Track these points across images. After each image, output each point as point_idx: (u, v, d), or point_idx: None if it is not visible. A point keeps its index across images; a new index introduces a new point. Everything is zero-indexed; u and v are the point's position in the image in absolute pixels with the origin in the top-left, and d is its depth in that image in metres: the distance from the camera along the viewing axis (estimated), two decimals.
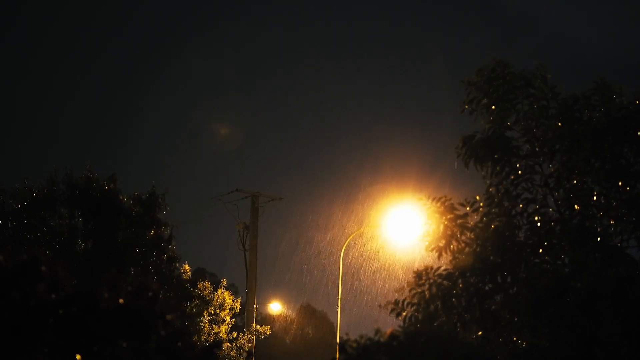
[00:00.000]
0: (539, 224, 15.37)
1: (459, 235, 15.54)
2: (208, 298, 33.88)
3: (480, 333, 15.05)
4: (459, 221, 15.58)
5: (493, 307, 15.18)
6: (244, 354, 34.52)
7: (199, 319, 33.14)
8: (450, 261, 15.51)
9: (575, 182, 15.65)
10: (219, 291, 34.42)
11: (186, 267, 32.53)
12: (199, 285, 33.49)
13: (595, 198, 15.55)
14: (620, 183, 15.36)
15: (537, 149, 15.94)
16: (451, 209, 15.61)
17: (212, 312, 34.12)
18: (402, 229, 38.13)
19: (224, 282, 35.26)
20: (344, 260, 40.51)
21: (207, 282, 34.56)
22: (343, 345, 10.30)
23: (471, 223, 15.65)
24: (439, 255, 15.61)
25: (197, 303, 33.10)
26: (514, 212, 15.58)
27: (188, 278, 32.41)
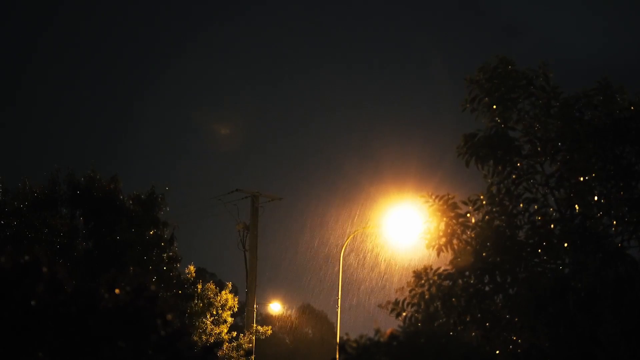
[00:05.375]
0: (539, 224, 15.36)
1: (459, 234, 15.54)
2: (212, 300, 33.89)
3: (480, 333, 15.05)
4: (460, 220, 15.58)
5: (493, 307, 15.18)
6: (243, 353, 34.55)
7: (201, 319, 33.15)
8: (451, 261, 15.51)
9: (576, 182, 15.65)
10: (223, 293, 34.43)
11: (191, 268, 32.58)
12: (199, 286, 33.49)
13: (596, 198, 15.55)
14: (621, 183, 15.36)
15: (538, 149, 15.94)
16: (453, 207, 15.61)
17: (215, 312, 34.15)
18: (402, 229, 38.16)
19: (230, 285, 35.32)
20: (343, 260, 40.55)
21: (212, 283, 34.58)
22: (343, 345, 10.29)
23: (473, 222, 15.64)
24: (438, 253, 15.61)
25: (197, 303, 33.12)
26: (515, 212, 15.58)
27: (192, 278, 32.43)
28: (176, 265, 30.81)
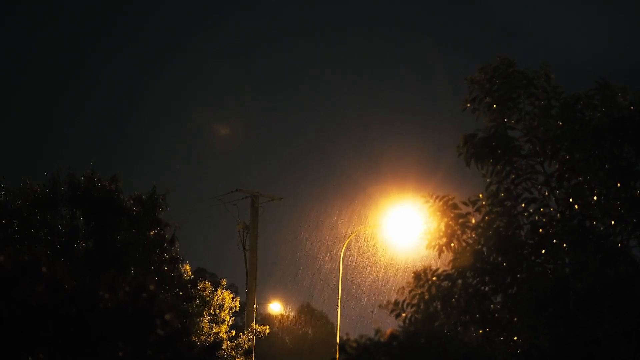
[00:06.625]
0: (539, 224, 15.36)
1: (460, 234, 15.54)
2: (208, 298, 33.89)
3: (480, 333, 15.05)
4: (460, 220, 15.57)
5: (493, 307, 15.18)
6: (242, 352, 34.58)
7: (199, 319, 33.14)
8: (450, 261, 15.50)
9: (576, 182, 15.65)
10: (219, 291, 34.43)
11: (187, 267, 32.54)
12: (199, 285, 33.49)
13: (595, 198, 15.55)
14: (620, 183, 15.35)
15: (538, 149, 15.94)
16: (453, 207, 15.61)
17: (212, 312, 34.13)
18: (402, 229, 38.17)
19: (224, 282, 35.27)
20: (343, 260, 40.57)
21: (207, 282, 34.56)
22: (343, 345, 10.30)
23: (473, 222, 15.64)
24: (439, 254, 15.61)
25: (197, 303, 33.11)
26: (515, 212, 15.58)
27: (189, 278, 32.40)
28: (177, 265, 30.77)
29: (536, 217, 15.44)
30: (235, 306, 35.10)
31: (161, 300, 9.12)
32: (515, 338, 15.11)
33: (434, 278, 15.25)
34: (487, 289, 15.20)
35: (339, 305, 39.31)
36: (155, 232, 29.82)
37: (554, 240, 15.22)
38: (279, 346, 69.37)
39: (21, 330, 8.83)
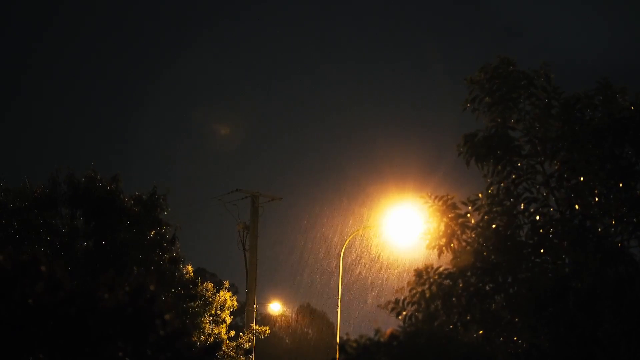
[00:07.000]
0: (539, 224, 15.36)
1: (459, 234, 15.54)
2: (210, 299, 33.91)
3: (480, 333, 15.04)
4: (460, 220, 15.57)
5: (493, 307, 15.17)
6: (242, 353, 34.59)
7: (200, 320, 33.16)
8: (451, 260, 15.50)
9: (576, 182, 15.65)
10: (221, 292, 34.44)
11: (189, 267, 32.56)
12: (199, 287, 33.49)
13: (596, 198, 15.55)
14: (621, 183, 15.35)
15: (538, 149, 15.94)
16: (453, 207, 15.61)
17: (213, 312, 34.16)
18: (402, 229, 38.18)
19: (227, 284, 35.30)
20: (343, 260, 40.59)
21: (210, 283, 34.57)
22: (343, 345, 10.30)
23: (472, 222, 15.64)
24: (439, 254, 15.62)
25: (199, 303, 33.12)
26: (515, 212, 15.58)
27: (190, 278, 32.41)
28: (178, 266, 30.76)
29: (536, 217, 15.44)
30: (233, 305, 35.11)
31: (161, 300, 9.13)
32: (515, 338, 15.11)
33: (435, 276, 15.24)
34: (487, 288, 15.20)
35: (339, 305, 39.33)
36: (155, 232, 29.82)
37: (554, 240, 15.22)
38: (279, 346, 69.36)
39: (21, 330, 8.83)
